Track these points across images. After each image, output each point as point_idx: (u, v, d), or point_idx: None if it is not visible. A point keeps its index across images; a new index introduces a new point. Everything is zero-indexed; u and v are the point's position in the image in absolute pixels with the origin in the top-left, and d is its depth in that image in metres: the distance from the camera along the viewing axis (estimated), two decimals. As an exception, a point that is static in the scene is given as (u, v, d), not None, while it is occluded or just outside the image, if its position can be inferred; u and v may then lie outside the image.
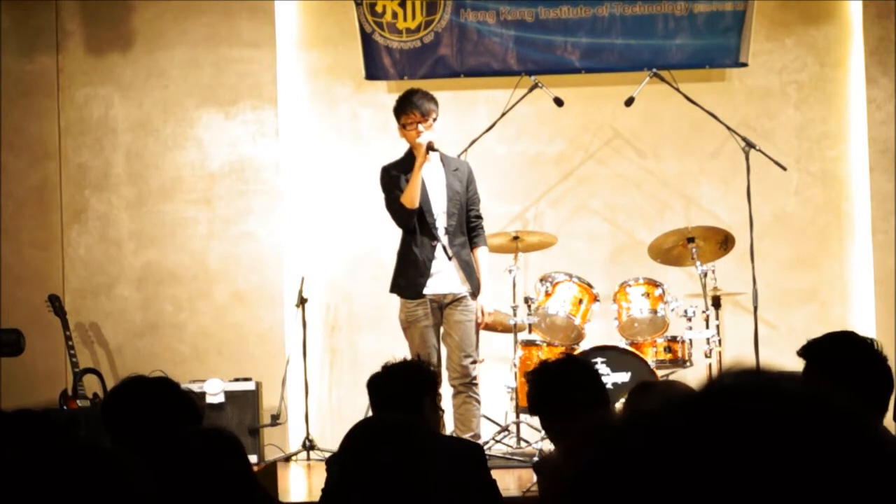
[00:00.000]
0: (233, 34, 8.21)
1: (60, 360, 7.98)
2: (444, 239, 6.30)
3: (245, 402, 7.59)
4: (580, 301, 7.07)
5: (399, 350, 8.07)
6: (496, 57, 8.15)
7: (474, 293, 6.36)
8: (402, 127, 6.33)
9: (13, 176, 8.22)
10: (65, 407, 7.43)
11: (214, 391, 7.55)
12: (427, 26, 8.16)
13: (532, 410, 3.98)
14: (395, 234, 8.23)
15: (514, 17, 8.14)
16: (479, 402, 6.32)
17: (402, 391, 4.11)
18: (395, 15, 8.15)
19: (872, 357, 3.28)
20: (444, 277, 6.30)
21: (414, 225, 6.32)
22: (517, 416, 6.92)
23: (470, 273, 6.34)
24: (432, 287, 6.29)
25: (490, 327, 7.07)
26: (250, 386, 7.64)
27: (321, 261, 8.23)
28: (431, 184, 6.38)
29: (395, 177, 6.38)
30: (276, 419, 7.65)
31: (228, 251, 8.20)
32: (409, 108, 6.26)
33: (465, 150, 7.30)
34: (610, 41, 8.11)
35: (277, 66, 8.21)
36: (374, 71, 8.19)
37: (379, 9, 8.16)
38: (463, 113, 7.96)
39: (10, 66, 8.22)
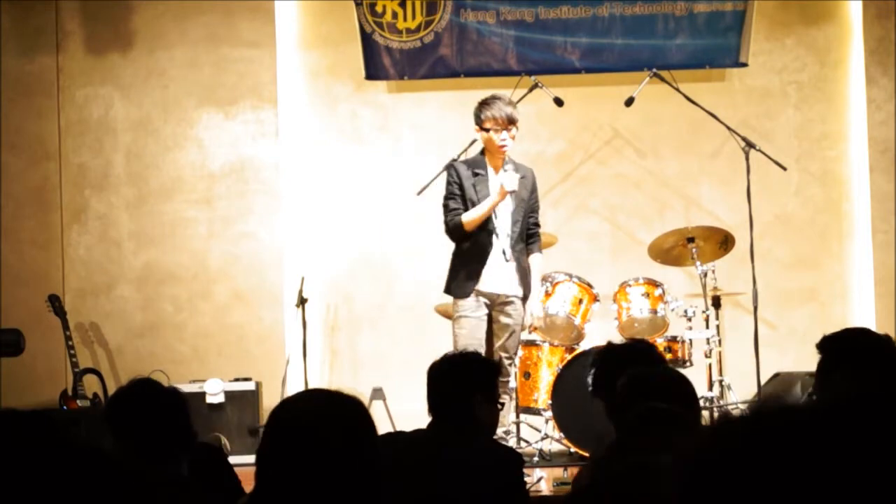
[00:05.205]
0: (233, 34, 8.21)
1: (60, 360, 7.98)
2: (505, 242, 6.28)
3: (245, 402, 7.59)
4: (580, 301, 7.07)
5: (399, 350, 8.09)
6: (496, 57, 8.15)
7: (525, 297, 6.37)
8: (485, 130, 6.29)
9: (13, 176, 8.22)
10: (65, 407, 7.43)
11: (214, 391, 7.55)
12: (427, 26, 8.16)
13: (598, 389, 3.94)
14: (395, 234, 8.24)
15: (514, 17, 8.14)
16: (510, 398, 6.40)
17: (450, 388, 3.95)
18: (395, 15, 8.15)
19: (888, 349, 3.35)
20: (500, 278, 6.29)
21: (469, 232, 6.28)
22: (517, 417, 6.92)
23: (525, 278, 6.35)
24: (488, 285, 6.28)
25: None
26: (250, 386, 7.64)
27: (321, 261, 8.23)
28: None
29: (462, 180, 6.28)
30: (276, 419, 7.64)
31: (228, 251, 8.20)
32: (499, 113, 6.22)
33: (465, 149, 7.29)
34: (610, 41, 8.11)
35: (277, 66, 8.21)
36: (374, 71, 8.19)
37: (379, 9, 8.16)
38: (463, 113, 7.95)
39: (10, 66, 8.22)
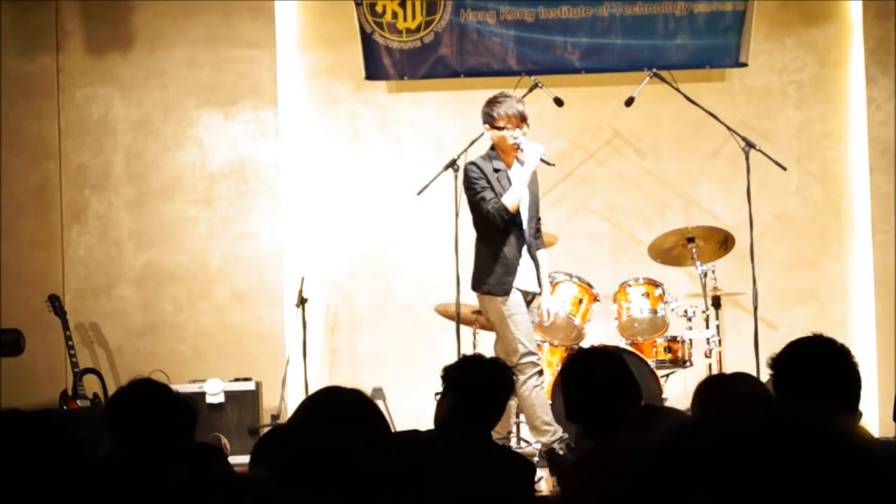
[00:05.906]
0: (233, 34, 8.21)
1: (60, 360, 7.98)
2: (527, 239, 6.32)
3: (245, 402, 7.59)
4: (580, 301, 7.07)
5: (399, 350, 8.09)
6: (496, 57, 8.15)
7: (540, 293, 6.44)
8: (498, 129, 6.29)
9: (13, 176, 8.22)
10: (65, 407, 7.43)
11: (214, 391, 7.55)
12: (427, 26, 8.16)
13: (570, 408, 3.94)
14: (395, 234, 8.24)
15: (514, 17, 8.14)
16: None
17: (481, 394, 4.03)
18: (395, 15, 8.15)
19: (836, 359, 3.34)
20: (528, 274, 6.35)
21: (506, 225, 6.28)
22: (517, 417, 6.92)
23: (538, 274, 6.42)
24: (520, 282, 6.31)
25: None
26: (250, 386, 7.64)
27: (321, 261, 8.23)
28: None
29: (487, 174, 6.30)
30: (276, 419, 7.65)
31: (228, 251, 8.20)
32: (512, 111, 6.25)
33: (465, 149, 7.27)
34: (610, 41, 8.11)
35: (277, 66, 8.21)
36: (374, 71, 8.19)
37: (379, 9, 8.16)
38: (463, 113, 7.95)
39: (10, 66, 8.22)
